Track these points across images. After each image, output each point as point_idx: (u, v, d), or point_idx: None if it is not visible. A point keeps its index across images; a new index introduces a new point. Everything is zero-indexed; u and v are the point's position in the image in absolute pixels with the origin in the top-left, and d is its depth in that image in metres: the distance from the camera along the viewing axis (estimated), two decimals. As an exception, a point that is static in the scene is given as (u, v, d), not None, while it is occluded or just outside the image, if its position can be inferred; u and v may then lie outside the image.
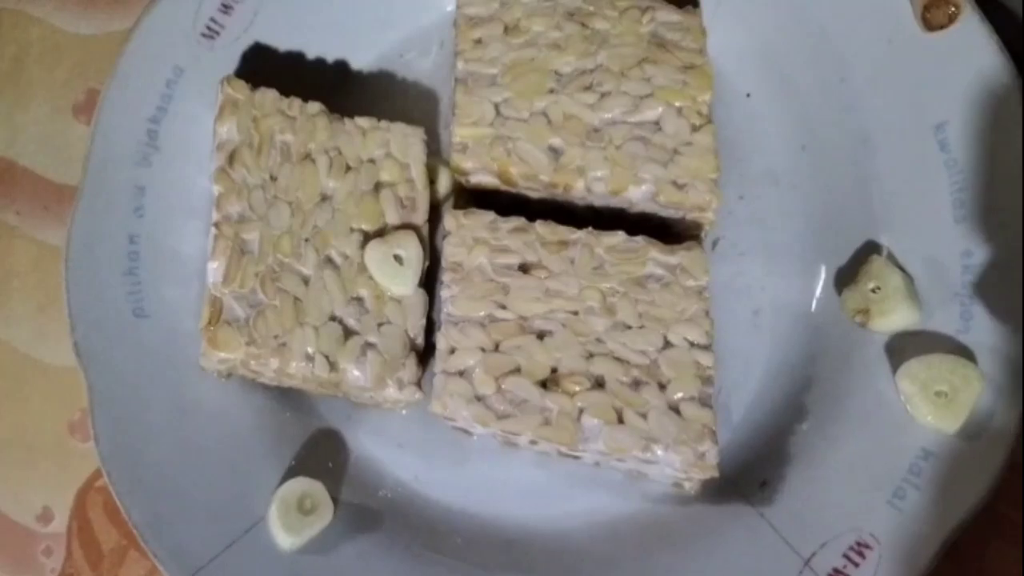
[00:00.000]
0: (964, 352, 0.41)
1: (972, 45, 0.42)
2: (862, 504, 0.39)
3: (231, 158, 0.42)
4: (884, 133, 0.43)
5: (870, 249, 0.43)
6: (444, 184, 0.46)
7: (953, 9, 0.41)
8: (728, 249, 0.46)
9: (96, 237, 0.44)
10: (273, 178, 0.43)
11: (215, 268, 0.41)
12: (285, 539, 0.41)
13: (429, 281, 0.44)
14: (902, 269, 0.42)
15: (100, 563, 0.47)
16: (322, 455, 0.44)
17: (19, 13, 0.54)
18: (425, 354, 0.43)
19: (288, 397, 0.45)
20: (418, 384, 0.42)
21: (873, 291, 0.42)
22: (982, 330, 0.41)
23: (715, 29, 0.45)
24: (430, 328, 0.44)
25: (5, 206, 0.52)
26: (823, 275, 0.45)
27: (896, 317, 0.42)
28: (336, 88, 0.48)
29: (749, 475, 0.42)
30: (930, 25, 0.42)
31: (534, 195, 0.44)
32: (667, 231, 0.44)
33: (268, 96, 0.43)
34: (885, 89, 0.43)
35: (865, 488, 0.40)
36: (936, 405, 0.40)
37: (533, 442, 0.41)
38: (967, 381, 0.40)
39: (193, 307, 0.44)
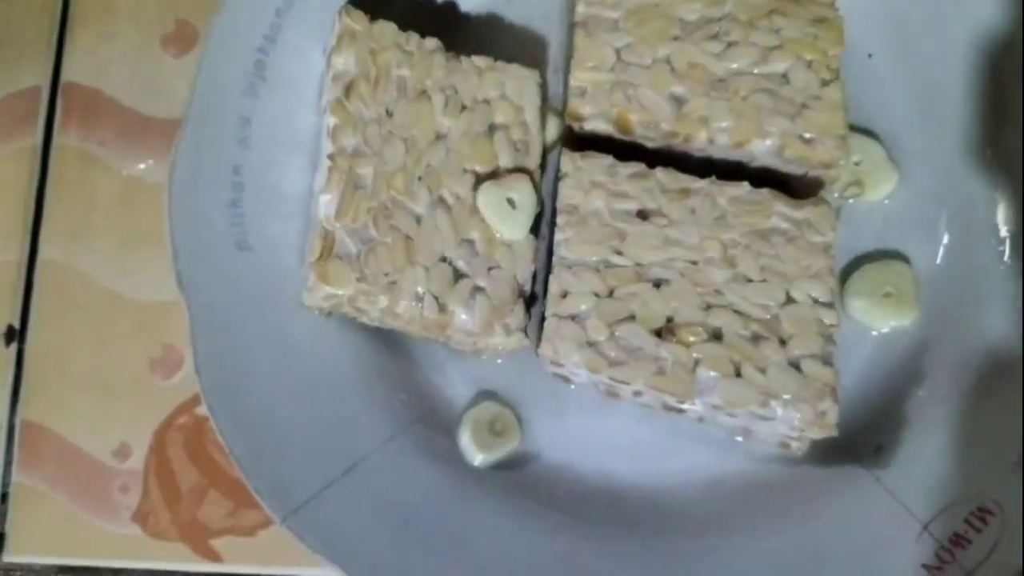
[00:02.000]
0: (887, 255, 0.44)
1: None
2: (984, 471, 0.39)
3: (347, 90, 0.41)
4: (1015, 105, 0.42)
5: (994, 213, 0.43)
6: (552, 131, 0.46)
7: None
8: (846, 209, 0.45)
9: (201, 166, 0.42)
10: (389, 113, 0.42)
11: (328, 201, 0.40)
12: (477, 455, 0.42)
13: (536, 228, 0.43)
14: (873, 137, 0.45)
15: (178, 502, 0.46)
16: (419, 400, 0.43)
17: (107, -58, 0.53)
18: (529, 300, 0.42)
19: (386, 339, 0.44)
20: (524, 331, 0.41)
21: (857, 164, 0.44)
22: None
23: (839, -15, 0.44)
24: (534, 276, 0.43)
25: (89, 136, 0.51)
26: (945, 238, 0.44)
27: (886, 184, 0.44)
28: (443, 28, 0.46)
29: (862, 438, 0.41)
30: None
31: (650, 144, 0.43)
32: (784, 187, 0.43)
33: (387, 29, 0.42)
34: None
35: (987, 455, 0.39)
36: (888, 306, 0.43)
37: (637, 393, 0.40)
38: (900, 275, 0.43)
39: (295, 243, 0.43)
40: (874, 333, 0.43)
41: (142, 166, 0.50)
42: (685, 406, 0.40)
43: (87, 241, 0.49)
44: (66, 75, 0.51)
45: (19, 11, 0.52)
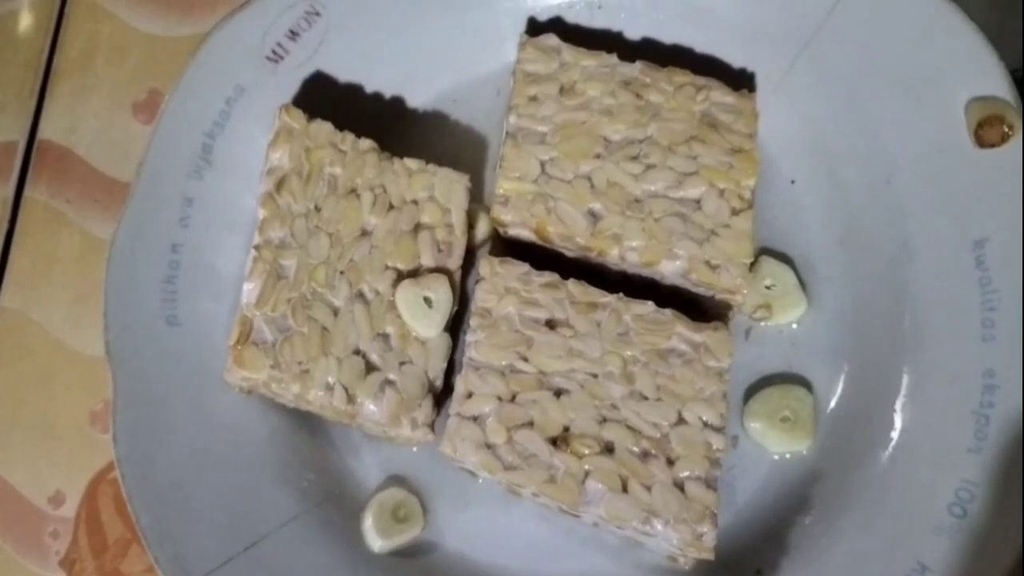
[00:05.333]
0: (791, 379, 0.45)
1: (1022, 166, 0.42)
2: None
3: (279, 185, 0.43)
4: (923, 241, 0.43)
5: (896, 354, 0.43)
6: (483, 229, 0.47)
7: (1007, 129, 0.41)
8: (757, 330, 0.46)
9: (141, 242, 0.45)
10: (317, 208, 0.44)
11: (250, 289, 0.42)
12: (377, 541, 0.43)
13: (455, 324, 0.45)
14: (787, 263, 0.46)
15: (103, 553, 0.48)
16: (328, 481, 0.45)
17: (95, 6, 0.56)
18: (442, 396, 0.44)
19: (303, 420, 0.45)
20: (431, 426, 0.43)
21: (768, 288, 0.46)
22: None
23: (769, 112, 0.45)
24: (450, 370, 0.44)
25: (57, 193, 0.53)
26: (845, 373, 0.45)
27: (794, 311, 0.46)
28: (389, 123, 0.49)
29: (745, 560, 0.42)
30: (982, 142, 0.42)
31: (569, 254, 0.44)
32: (697, 306, 0.44)
33: (323, 128, 0.44)
34: (930, 197, 0.43)
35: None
36: (785, 431, 0.44)
37: (536, 495, 0.42)
38: (801, 401, 0.44)
39: (224, 321, 0.45)
40: (775, 457, 0.44)
41: (103, 226, 0.52)
42: (578, 513, 0.41)
43: (44, 291, 0.52)
44: (42, 132, 0.54)
45: (4, 64, 0.55)
